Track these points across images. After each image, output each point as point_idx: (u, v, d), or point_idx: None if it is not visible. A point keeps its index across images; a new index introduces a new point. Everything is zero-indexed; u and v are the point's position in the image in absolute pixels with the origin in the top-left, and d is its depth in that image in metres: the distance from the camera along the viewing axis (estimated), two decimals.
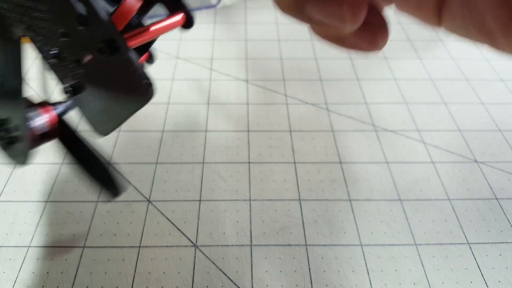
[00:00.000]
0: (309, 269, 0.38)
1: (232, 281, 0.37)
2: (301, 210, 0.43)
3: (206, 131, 0.52)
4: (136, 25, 0.31)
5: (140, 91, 0.21)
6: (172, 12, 0.33)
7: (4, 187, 0.45)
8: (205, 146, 0.50)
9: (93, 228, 0.41)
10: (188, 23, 0.32)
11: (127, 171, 0.47)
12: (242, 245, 0.40)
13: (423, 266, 0.38)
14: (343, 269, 0.38)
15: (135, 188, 0.45)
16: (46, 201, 0.44)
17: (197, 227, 0.41)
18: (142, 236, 0.41)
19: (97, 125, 0.23)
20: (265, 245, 0.40)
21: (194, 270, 0.38)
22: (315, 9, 0.14)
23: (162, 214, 0.43)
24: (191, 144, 0.50)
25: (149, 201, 0.44)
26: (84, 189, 0.45)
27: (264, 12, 0.75)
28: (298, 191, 0.45)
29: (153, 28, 0.29)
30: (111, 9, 0.26)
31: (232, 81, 0.60)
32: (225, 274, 0.38)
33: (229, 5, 0.76)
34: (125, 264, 0.38)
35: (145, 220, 0.42)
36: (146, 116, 0.54)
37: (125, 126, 0.53)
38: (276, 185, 0.46)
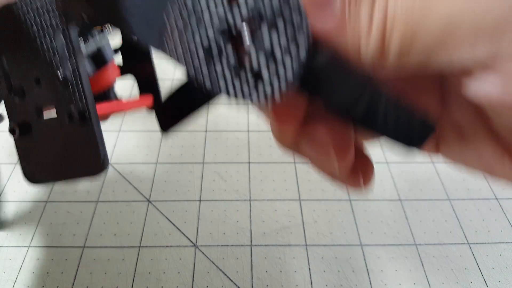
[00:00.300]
0: (309, 269, 0.38)
1: (232, 281, 0.37)
2: (301, 210, 0.43)
3: (206, 131, 0.52)
4: (105, 92, 0.32)
5: (93, 164, 0.21)
6: (142, 91, 0.33)
7: (4, 187, 0.45)
8: (205, 146, 0.50)
9: (93, 228, 0.41)
10: (156, 106, 0.33)
11: (127, 171, 0.47)
12: (242, 245, 0.40)
13: (423, 266, 0.38)
14: (343, 269, 0.38)
15: (135, 188, 0.45)
16: (46, 201, 0.44)
17: (197, 227, 0.41)
18: (142, 236, 0.41)
19: (30, 171, 0.22)
20: (265, 245, 0.40)
21: (194, 270, 0.38)
22: (308, 148, 0.18)
23: (162, 214, 0.43)
24: (191, 144, 0.50)
25: (149, 201, 0.44)
26: (84, 189, 0.45)
27: None
28: (298, 191, 0.45)
29: (121, 105, 0.29)
30: (90, 70, 0.25)
31: None
32: (225, 274, 0.38)
33: None
34: (125, 264, 0.38)
35: (145, 220, 0.42)
36: (146, 116, 0.55)
37: (125, 126, 0.53)
38: (276, 185, 0.46)
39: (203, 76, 0.16)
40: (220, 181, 0.46)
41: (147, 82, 0.33)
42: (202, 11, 0.16)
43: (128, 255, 0.39)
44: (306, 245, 0.40)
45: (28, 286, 0.37)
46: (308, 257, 0.39)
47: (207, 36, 0.15)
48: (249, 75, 0.15)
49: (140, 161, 0.48)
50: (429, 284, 0.37)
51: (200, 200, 0.44)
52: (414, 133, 0.17)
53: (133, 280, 0.37)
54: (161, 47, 0.17)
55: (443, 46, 0.14)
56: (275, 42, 0.15)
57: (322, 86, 0.17)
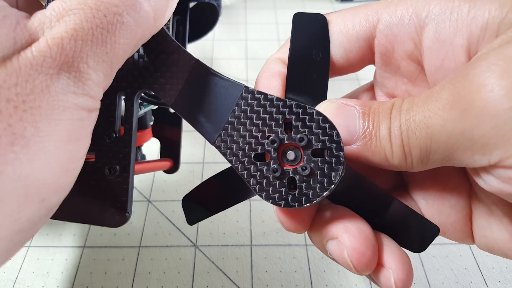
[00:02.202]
0: (309, 269, 0.38)
1: (232, 281, 0.37)
2: None
3: None
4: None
5: (117, 216, 0.21)
6: (163, 155, 0.35)
7: None
8: (205, 146, 0.50)
9: (93, 228, 0.41)
10: (173, 169, 0.35)
11: None
12: (242, 245, 0.40)
13: (423, 266, 0.38)
14: (343, 269, 0.38)
15: (135, 188, 0.45)
16: None
17: (197, 227, 0.41)
18: (142, 236, 0.41)
19: None
20: (265, 245, 0.40)
21: (194, 270, 0.38)
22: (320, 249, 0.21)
23: (162, 214, 0.43)
24: (191, 144, 0.50)
25: (149, 201, 0.44)
26: None
27: (264, 12, 0.75)
28: None
29: (144, 167, 0.31)
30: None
31: None
32: (225, 274, 0.38)
33: (229, 5, 0.76)
34: (125, 264, 0.38)
35: (145, 220, 0.42)
36: None
37: None
38: None
39: (246, 172, 0.19)
40: None
41: (171, 147, 0.34)
42: (260, 126, 0.19)
43: (128, 255, 0.39)
44: (306, 245, 0.40)
45: (28, 286, 0.37)
46: (308, 257, 0.39)
47: (260, 144, 0.19)
48: (287, 183, 0.18)
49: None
50: (429, 284, 0.37)
51: None
52: (421, 238, 0.20)
53: (133, 280, 0.37)
54: (216, 140, 0.19)
55: (453, 155, 0.16)
56: (316, 164, 0.18)
57: (345, 199, 0.20)
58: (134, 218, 0.42)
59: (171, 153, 0.34)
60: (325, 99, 0.21)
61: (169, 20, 0.30)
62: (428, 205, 0.21)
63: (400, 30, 0.20)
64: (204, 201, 0.25)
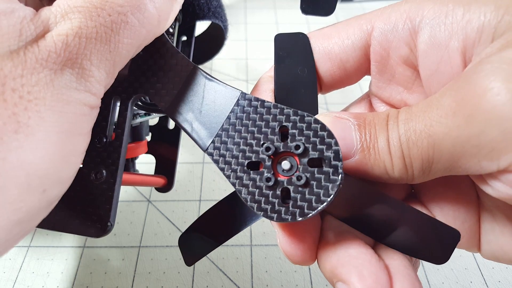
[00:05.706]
0: (309, 269, 0.38)
1: (232, 281, 0.37)
2: None
3: None
4: (127, 162, 0.33)
5: (98, 225, 0.20)
6: (157, 171, 0.34)
7: None
8: None
9: None
10: (166, 188, 0.34)
11: None
12: (242, 245, 0.40)
13: (423, 266, 0.38)
14: None
15: (135, 188, 0.45)
16: None
17: None
18: (142, 236, 0.41)
19: None
20: (265, 245, 0.40)
21: (194, 270, 0.38)
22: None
23: (162, 214, 0.43)
24: (191, 144, 0.50)
25: (149, 201, 0.44)
26: None
27: (264, 12, 0.75)
28: None
29: (136, 179, 0.30)
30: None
31: (232, 81, 0.60)
32: (225, 274, 0.38)
33: (229, 5, 0.76)
34: (125, 264, 0.38)
35: (145, 220, 0.42)
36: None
37: None
38: None
39: (237, 181, 0.18)
40: (220, 181, 0.46)
41: (166, 165, 0.34)
42: (256, 133, 0.18)
43: (128, 255, 0.39)
44: None
45: (28, 286, 0.37)
46: None
47: (254, 151, 0.18)
48: (280, 194, 0.17)
49: (139, 161, 0.48)
50: (429, 284, 0.37)
51: (200, 200, 0.44)
52: (441, 246, 0.18)
53: (133, 280, 0.37)
54: (209, 147, 0.19)
55: (457, 163, 0.16)
56: (312, 175, 0.16)
57: (355, 215, 0.19)
58: (134, 218, 0.42)
59: (166, 172, 0.34)
60: (317, 113, 0.21)
61: (173, 34, 0.30)
62: (444, 212, 0.20)
63: (394, 35, 0.20)
64: (202, 237, 0.24)
